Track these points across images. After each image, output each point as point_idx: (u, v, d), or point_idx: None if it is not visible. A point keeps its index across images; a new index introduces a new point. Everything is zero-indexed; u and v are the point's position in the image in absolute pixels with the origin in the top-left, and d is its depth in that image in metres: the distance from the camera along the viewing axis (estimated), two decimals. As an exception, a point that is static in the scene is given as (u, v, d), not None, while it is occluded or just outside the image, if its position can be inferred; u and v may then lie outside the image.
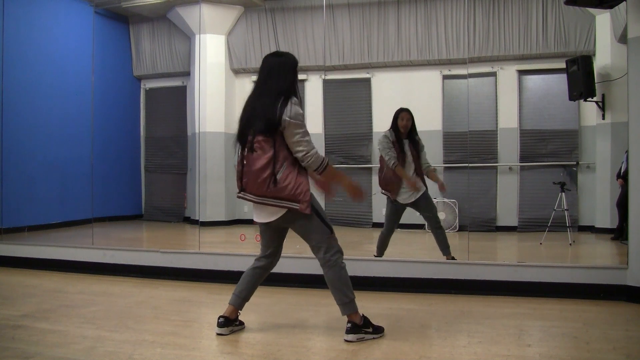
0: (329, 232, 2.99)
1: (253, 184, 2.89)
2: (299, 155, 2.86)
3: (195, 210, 8.41)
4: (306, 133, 2.88)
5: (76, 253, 5.22)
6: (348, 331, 2.92)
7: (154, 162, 9.50)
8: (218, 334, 3.04)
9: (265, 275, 3.19)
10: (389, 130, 4.79)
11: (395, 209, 4.85)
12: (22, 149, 7.07)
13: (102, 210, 7.60)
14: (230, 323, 3.06)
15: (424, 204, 4.77)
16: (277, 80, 2.92)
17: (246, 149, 2.92)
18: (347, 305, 2.95)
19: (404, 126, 4.74)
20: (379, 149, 4.80)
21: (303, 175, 2.92)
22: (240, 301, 3.10)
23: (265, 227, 3.08)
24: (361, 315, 2.97)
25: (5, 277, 4.96)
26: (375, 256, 4.82)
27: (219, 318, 3.06)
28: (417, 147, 4.80)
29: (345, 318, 2.97)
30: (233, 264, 4.50)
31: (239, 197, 3.01)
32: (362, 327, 2.94)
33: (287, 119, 2.82)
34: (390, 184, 4.76)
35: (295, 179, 2.87)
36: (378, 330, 2.99)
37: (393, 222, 4.88)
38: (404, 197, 4.76)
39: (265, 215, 2.96)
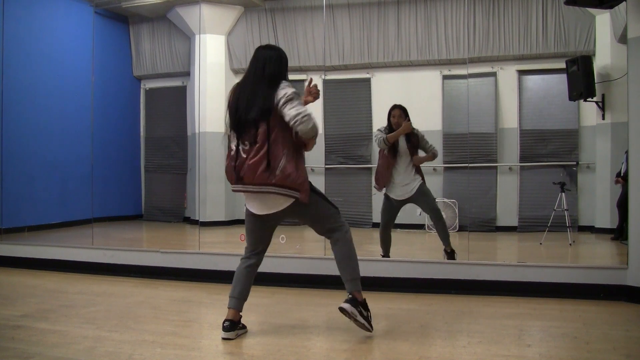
0: (337, 211, 3.07)
1: (252, 173, 2.85)
2: (298, 118, 2.80)
3: (195, 210, 8.41)
4: (300, 103, 2.88)
5: (76, 253, 5.22)
6: (347, 301, 2.92)
7: (154, 162, 9.50)
8: (224, 339, 2.98)
9: (256, 271, 3.18)
10: (384, 126, 4.83)
11: (389, 205, 4.83)
12: (22, 149, 7.06)
13: (102, 210, 7.60)
14: (235, 326, 3.03)
15: (421, 199, 4.76)
16: (272, 70, 2.94)
17: (246, 141, 2.89)
18: (357, 281, 2.99)
19: (395, 123, 4.76)
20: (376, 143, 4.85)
21: (302, 164, 2.96)
22: (241, 303, 3.08)
23: (261, 223, 3.05)
24: (363, 298, 2.99)
25: (5, 277, 4.97)
26: (382, 256, 4.81)
27: (224, 322, 3.01)
28: (412, 140, 4.76)
29: (343, 317, 2.97)
30: (233, 264, 4.43)
31: (236, 190, 2.98)
32: (361, 305, 2.95)
33: (281, 99, 2.84)
34: (378, 175, 4.80)
35: (296, 168, 2.89)
36: (370, 321, 2.99)
37: (386, 219, 4.87)
38: (398, 193, 4.74)
39: (269, 206, 2.94)
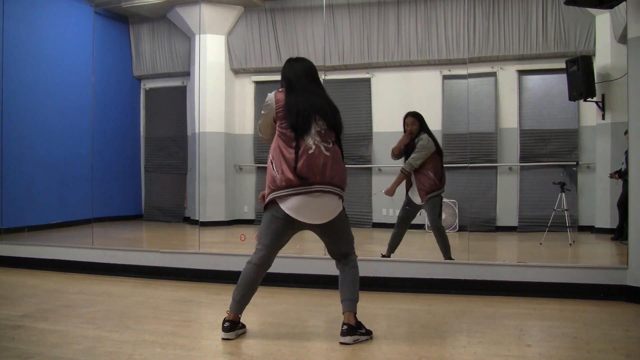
0: (353, 238, 3.14)
1: (342, 176, 2.94)
2: None
3: (195, 210, 8.41)
4: None
5: (76, 253, 5.22)
6: (344, 333, 2.91)
7: (154, 162, 9.50)
8: (224, 339, 2.97)
9: None
10: None
11: (406, 203, 4.87)
12: (22, 149, 7.07)
13: (102, 210, 7.60)
14: (235, 327, 3.02)
15: (428, 210, 4.79)
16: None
17: (329, 139, 2.92)
18: (355, 303, 3.00)
19: (408, 131, 4.79)
20: None
21: None
22: (243, 308, 3.06)
23: (292, 231, 3.04)
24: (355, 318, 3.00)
25: (5, 277, 4.97)
26: (382, 255, 4.81)
27: (223, 323, 3.00)
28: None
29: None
30: (233, 264, 4.49)
31: (323, 190, 2.86)
32: (357, 329, 2.95)
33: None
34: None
35: None
36: (369, 332, 3.00)
37: (400, 215, 4.91)
38: (415, 198, 4.79)
39: (329, 213, 2.93)
